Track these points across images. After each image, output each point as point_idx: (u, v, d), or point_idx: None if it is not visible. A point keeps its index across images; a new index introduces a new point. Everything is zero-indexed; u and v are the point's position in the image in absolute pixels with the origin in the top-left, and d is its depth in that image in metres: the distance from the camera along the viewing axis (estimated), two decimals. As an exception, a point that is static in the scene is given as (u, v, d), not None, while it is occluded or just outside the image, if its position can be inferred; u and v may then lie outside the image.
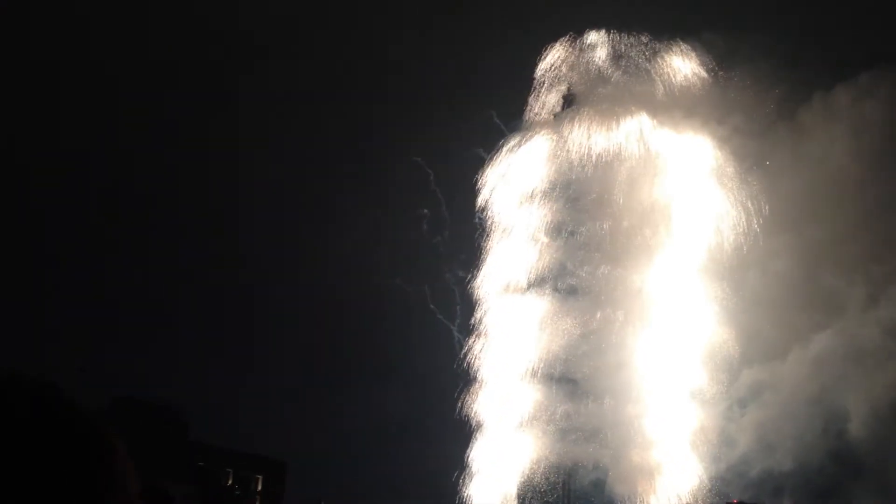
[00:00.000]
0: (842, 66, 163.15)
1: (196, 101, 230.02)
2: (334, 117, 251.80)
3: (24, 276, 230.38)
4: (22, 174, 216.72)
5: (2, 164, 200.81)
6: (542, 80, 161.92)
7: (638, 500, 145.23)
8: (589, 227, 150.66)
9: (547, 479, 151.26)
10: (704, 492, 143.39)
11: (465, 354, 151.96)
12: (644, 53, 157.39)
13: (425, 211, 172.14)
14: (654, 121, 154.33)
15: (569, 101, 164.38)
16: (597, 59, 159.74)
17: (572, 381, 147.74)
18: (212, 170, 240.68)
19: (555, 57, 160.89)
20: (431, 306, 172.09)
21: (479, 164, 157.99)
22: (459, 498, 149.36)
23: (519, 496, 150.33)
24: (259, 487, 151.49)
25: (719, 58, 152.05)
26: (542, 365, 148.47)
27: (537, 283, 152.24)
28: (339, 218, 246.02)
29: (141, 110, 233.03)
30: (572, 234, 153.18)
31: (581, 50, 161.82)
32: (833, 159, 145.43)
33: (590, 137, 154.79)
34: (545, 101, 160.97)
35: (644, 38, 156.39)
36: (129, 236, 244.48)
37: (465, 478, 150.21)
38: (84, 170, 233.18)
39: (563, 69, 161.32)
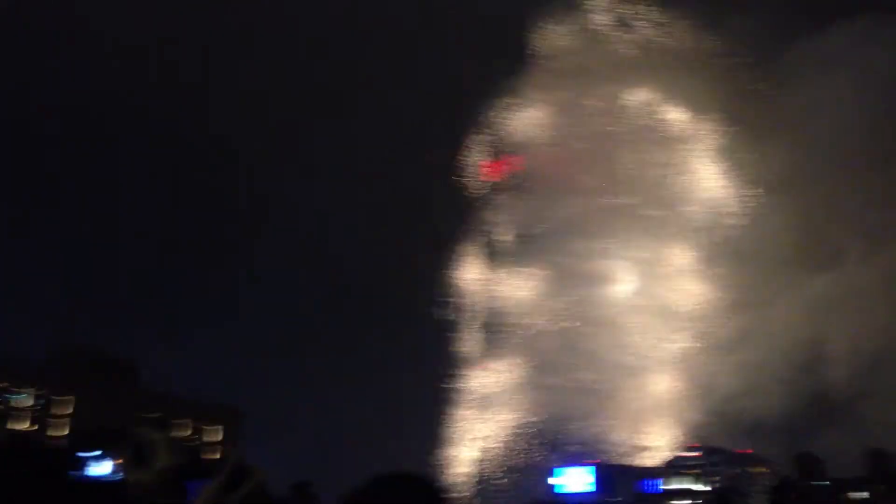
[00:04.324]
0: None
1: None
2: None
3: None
4: None
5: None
6: (536, 47, 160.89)
7: (617, 449, 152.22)
8: (582, 196, 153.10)
9: (536, 434, 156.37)
10: (682, 439, 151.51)
11: (450, 319, 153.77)
12: (636, 20, 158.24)
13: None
14: (643, 88, 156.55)
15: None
16: (589, 27, 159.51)
17: (560, 340, 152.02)
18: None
19: (548, 25, 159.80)
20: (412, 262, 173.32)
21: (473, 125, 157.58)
22: (441, 463, 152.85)
23: (503, 458, 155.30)
24: (219, 437, 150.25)
25: (708, 20, 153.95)
26: (527, 327, 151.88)
27: (524, 249, 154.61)
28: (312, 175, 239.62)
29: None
30: (562, 203, 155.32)
31: (575, 16, 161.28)
32: (829, 110, 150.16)
33: (579, 107, 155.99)
34: (538, 69, 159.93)
35: (638, 6, 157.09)
36: (84, 187, 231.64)
37: (446, 441, 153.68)
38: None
39: (555, 39, 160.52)
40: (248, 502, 3.09)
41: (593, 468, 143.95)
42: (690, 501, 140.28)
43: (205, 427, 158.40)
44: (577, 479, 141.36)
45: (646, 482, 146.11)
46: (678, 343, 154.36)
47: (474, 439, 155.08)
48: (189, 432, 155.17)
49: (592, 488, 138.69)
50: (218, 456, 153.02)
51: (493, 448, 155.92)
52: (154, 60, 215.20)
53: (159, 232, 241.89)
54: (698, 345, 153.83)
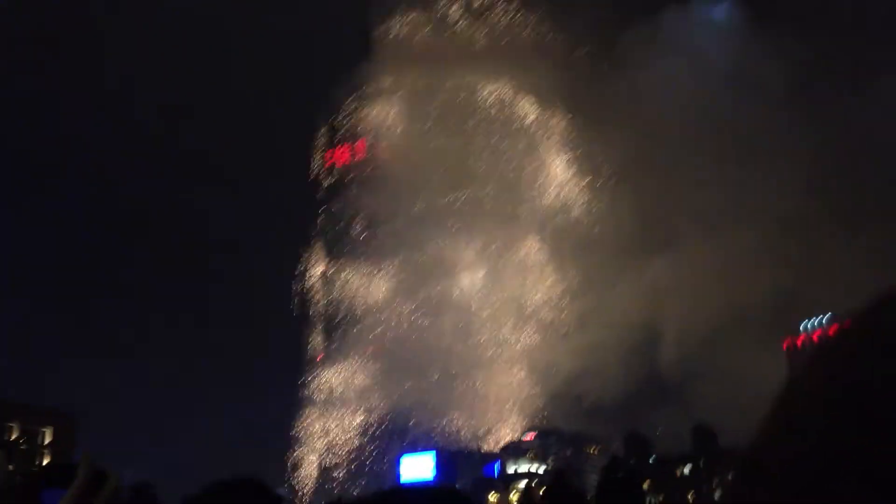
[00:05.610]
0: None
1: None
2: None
3: None
4: None
5: None
6: (388, 35, 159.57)
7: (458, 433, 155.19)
8: (432, 188, 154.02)
9: (382, 426, 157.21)
10: (523, 423, 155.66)
11: (298, 316, 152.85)
12: (486, 12, 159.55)
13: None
14: (493, 79, 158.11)
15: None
16: (442, 16, 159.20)
17: (408, 335, 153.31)
18: None
19: (401, 13, 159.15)
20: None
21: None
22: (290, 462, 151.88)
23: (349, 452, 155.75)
24: (47, 440, 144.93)
25: (551, 11, 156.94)
26: (376, 323, 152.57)
27: (373, 243, 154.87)
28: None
29: None
30: (413, 195, 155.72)
31: (428, 5, 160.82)
32: (663, 96, 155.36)
33: (431, 97, 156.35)
34: (390, 57, 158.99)
35: None
36: None
37: (297, 436, 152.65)
38: None
39: (408, 28, 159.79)
40: None
41: (434, 455, 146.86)
42: (528, 482, 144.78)
43: (34, 430, 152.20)
44: (418, 466, 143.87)
45: (486, 466, 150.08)
46: (524, 332, 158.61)
47: (322, 437, 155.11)
48: (17, 435, 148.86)
49: (433, 474, 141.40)
50: (48, 459, 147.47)
51: (340, 444, 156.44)
52: None
53: None
54: (542, 332, 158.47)
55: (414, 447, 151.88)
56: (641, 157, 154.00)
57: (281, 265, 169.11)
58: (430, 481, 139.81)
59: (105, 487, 2.88)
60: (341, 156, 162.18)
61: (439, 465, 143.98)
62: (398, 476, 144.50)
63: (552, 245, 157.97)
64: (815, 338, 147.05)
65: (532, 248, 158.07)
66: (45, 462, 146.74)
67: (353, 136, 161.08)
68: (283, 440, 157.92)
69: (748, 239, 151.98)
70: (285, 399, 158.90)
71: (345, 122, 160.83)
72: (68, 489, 2.81)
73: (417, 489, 5.73)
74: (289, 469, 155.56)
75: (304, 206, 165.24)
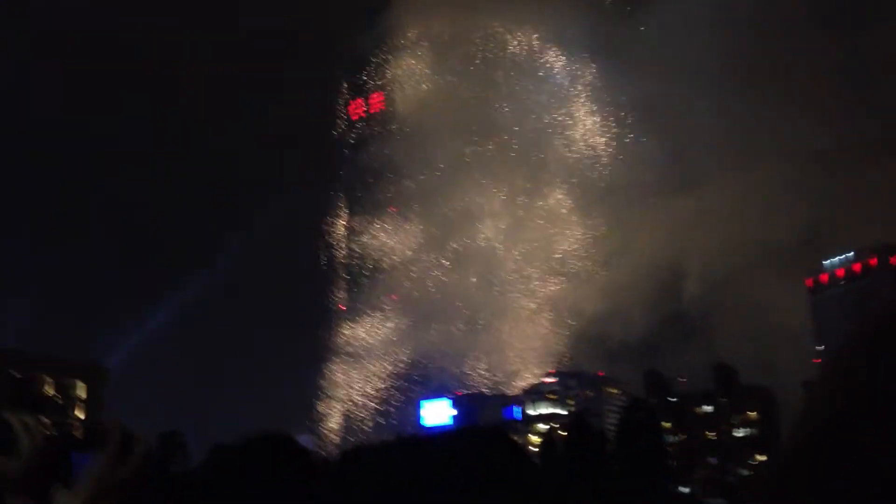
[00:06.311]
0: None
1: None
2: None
3: None
4: None
5: None
6: None
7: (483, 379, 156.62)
8: (455, 146, 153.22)
9: (405, 374, 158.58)
10: (547, 367, 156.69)
11: (323, 269, 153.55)
12: None
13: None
14: (508, 25, 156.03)
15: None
16: None
17: (433, 285, 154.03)
18: None
19: None
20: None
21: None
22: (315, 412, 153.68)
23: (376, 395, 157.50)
24: (84, 394, 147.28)
25: None
26: (402, 275, 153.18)
27: (398, 194, 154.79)
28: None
29: None
30: (438, 146, 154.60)
31: None
32: (688, 34, 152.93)
33: (457, 47, 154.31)
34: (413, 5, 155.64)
35: None
36: None
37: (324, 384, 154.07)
38: None
39: None
40: (138, 474, 2.82)
41: (451, 401, 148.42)
42: (550, 425, 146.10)
43: (67, 382, 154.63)
44: (438, 411, 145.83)
45: (506, 409, 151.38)
46: (550, 279, 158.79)
47: (348, 386, 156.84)
48: (52, 391, 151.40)
49: (451, 420, 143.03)
50: (83, 414, 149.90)
51: (367, 392, 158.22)
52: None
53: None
54: (568, 276, 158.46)
55: (439, 394, 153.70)
56: (666, 98, 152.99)
57: (308, 218, 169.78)
58: (449, 426, 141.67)
59: (135, 452, 2.91)
60: (366, 108, 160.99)
61: (459, 409, 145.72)
62: (420, 420, 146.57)
63: (579, 190, 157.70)
64: (839, 274, 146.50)
65: (559, 196, 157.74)
66: (78, 413, 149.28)
67: (378, 88, 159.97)
68: (310, 390, 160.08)
69: (771, 176, 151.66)
70: (312, 350, 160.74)
71: (370, 73, 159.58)
72: (98, 453, 2.87)
73: (436, 435, 6.26)
74: (315, 418, 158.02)
75: (330, 160, 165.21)
